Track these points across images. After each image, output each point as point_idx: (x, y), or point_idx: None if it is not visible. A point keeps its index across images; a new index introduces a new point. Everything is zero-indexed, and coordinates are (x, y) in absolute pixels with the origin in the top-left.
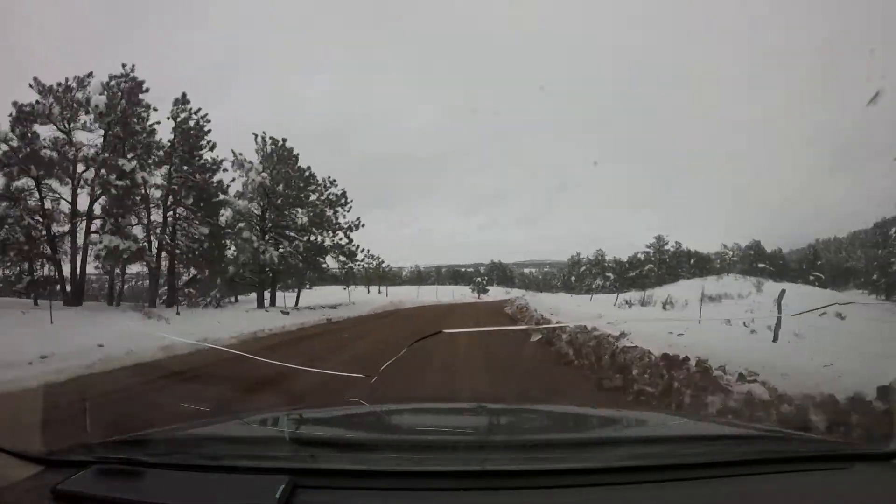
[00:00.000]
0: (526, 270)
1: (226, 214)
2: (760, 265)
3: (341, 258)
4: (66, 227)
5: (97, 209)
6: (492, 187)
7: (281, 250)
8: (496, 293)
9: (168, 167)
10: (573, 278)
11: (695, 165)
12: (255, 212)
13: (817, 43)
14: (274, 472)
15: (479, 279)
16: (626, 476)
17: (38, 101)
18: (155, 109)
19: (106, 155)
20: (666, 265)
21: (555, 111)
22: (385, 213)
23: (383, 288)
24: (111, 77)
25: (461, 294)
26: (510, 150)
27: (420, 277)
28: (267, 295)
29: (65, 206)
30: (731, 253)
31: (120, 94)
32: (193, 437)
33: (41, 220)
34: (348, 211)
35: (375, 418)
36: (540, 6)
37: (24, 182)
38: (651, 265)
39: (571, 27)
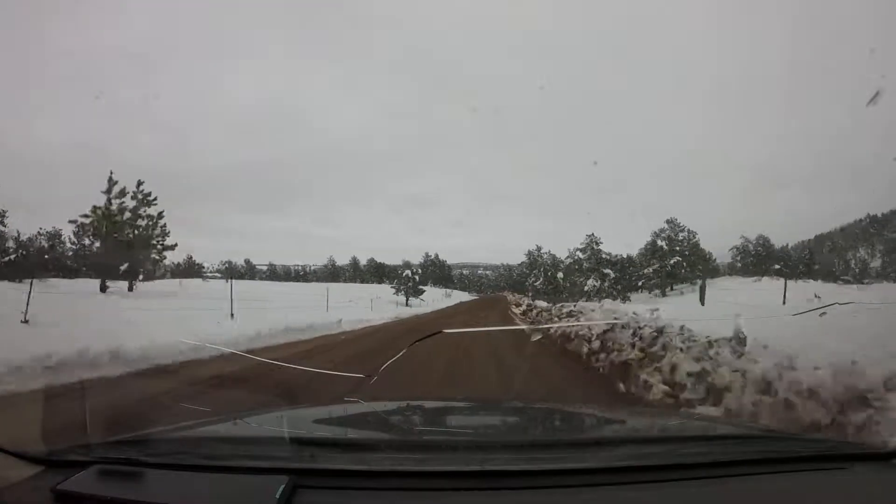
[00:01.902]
0: (464, 272)
1: None
2: (776, 266)
3: None
4: None
5: None
6: (427, 190)
7: None
8: (433, 296)
9: None
10: (560, 275)
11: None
12: None
13: (817, 43)
14: (274, 472)
15: (408, 272)
16: (626, 476)
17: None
18: None
19: None
20: (687, 259)
21: (496, 114)
22: (313, 211)
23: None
24: None
25: (373, 299)
26: (449, 154)
27: (334, 274)
28: None
29: None
30: (752, 247)
31: None
32: (193, 437)
33: None
34: None
35: (375, 418)
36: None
37: None
38: (678, 258)
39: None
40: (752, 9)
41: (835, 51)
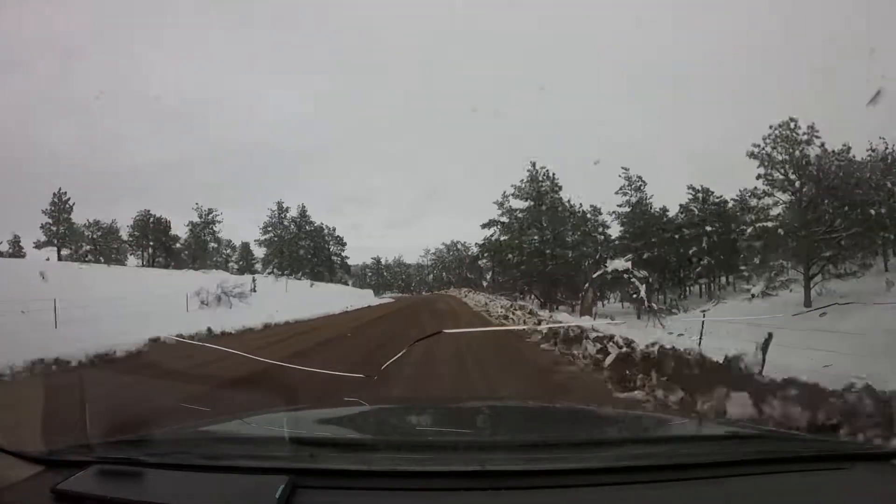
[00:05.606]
0: (395, 269)
1: None
2: None
3: None
4: None
5: None
6: (362, 189)
7: None
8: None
9: None
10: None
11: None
12: None
13: (817, 42)
14: (274, 472)
15: None
16: (626, 476)
17: None
18: None
19: None
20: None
21: (439, 108)
22: (241, 210)
23: None
24: None
25: None
26: (386, 150)
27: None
28: None
29: None
30: None
31: None
32: (193, 437)
33: None
34: None
35: (375, 418)
36: None
37: None
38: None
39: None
40: (750, 8)
41: (835, 51)
